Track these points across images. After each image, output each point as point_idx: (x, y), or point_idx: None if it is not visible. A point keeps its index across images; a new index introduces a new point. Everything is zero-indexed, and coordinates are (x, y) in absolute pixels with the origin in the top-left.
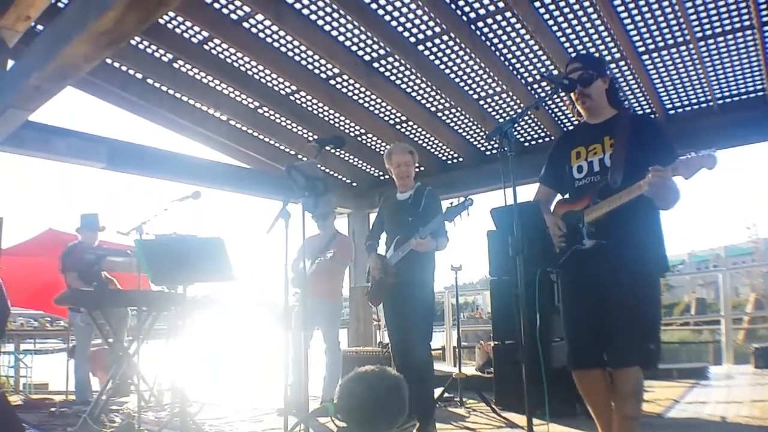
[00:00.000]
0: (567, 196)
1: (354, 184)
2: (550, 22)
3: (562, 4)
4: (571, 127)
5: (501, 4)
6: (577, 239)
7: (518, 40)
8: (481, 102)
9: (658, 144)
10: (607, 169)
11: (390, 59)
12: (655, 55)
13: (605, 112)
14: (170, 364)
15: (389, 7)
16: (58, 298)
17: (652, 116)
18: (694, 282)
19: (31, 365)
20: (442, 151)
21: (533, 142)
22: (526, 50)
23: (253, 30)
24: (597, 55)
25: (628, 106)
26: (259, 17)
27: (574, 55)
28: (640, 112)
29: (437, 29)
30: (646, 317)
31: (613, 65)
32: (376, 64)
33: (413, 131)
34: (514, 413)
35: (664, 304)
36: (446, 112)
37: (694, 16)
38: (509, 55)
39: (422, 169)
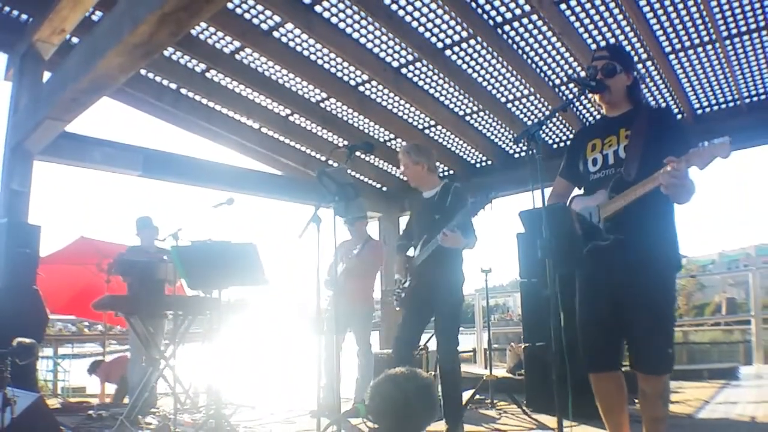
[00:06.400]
0: (582, 190)
1: (384, 188)
2: (576, 24)
3: (587, 5)
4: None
5: (527, 8)
6: (596, 236)
7: (545, 42)
8: (509, 105)
9: (675, 137)
10: (621, 161)
11: (418, 65)
12: (681, 54)
13: (623, 107)
14: (205, 366)
15: (416, 14)
16: (96, 303)
17: (670, 109)
18: (724, 282)
19: (69, 369)
20: (471, 155)
21: (561, 144)
22: (553, 53)
23: (283, 39)
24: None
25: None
26: (289, 26)
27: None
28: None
29: (464, 34)
30: (671, 322)
31: (640, 65)
32: (404, 70)
33: (442, 135)
34: (545, 415)
35: (695, 304)
36: (474, 116)
37: (719, 15)
38: (536, 58)
39: (451, 172)
